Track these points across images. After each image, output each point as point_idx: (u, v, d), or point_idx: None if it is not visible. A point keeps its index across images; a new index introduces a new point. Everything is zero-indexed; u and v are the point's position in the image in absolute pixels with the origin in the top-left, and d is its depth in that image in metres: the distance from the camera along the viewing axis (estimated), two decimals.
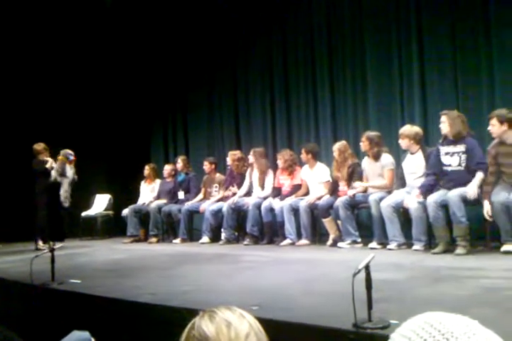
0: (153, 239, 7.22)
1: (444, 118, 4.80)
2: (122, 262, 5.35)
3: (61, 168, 6.91)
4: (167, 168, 7.71)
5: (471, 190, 4.50)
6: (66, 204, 6.94)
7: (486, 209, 4.40)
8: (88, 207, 8.42)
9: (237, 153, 6.97)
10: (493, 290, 3.00)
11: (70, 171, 7.01)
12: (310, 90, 7.16)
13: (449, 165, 4.79)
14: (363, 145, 5.58)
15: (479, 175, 4.56)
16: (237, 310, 0.98)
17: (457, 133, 4.72)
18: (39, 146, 6.96)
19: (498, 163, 4.50)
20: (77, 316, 3.44)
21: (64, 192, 6.90)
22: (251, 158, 6.69)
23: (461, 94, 5.79)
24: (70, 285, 3.82)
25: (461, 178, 4.67)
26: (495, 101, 5.48)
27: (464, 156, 4.71)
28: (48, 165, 6.87)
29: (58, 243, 5.76)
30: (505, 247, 4.31)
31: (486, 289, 3.03)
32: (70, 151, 7.06)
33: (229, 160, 6.96)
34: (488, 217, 4.41)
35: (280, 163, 6.37)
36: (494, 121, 4.42)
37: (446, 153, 4.80)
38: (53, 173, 6.88)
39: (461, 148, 4.73)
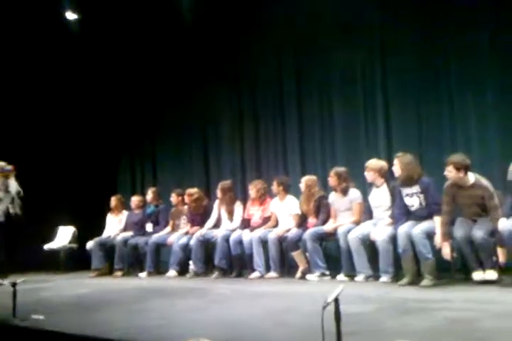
0: (119, 273, 7.08)
1: (396, 161, 4.98)
2: (87, 297, 5.21)
3: (3, 184, 6.48)
4: (135, 199, 7.63)
5: (438, 240, 4.60)
6: (1, 219, 6.47)
7: (446, 252, 4.52)
8: (51, 239, 8.22)
9: (195, 193, 6.85)
10: (459, 322, 3.05)
11: (13, 184, 6.54)
12: (278, 123, 7.29)
13: (412, 206, 4.95)
14: (331, 180, 5.69)
15: (438, 221, 4.67)
16: None
17: (407, 177, 4.88)
18: None
19: (455, 203, 4.64)
20: None
21: (2, 206, 6.46)
22: (218, 193, 6.68)
23: (424, 129, 6.01)
24: (33, 322, 3.69)
25: (425, 215, 4.82)
26: (456, 137, 5.72)
27: (422, 196, 4.87)
28: None
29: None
30: (475, 275, 4.40)
31: (452, 320, 3.09)
32: (2, 163, 6.57)
33: (186, 199, 6.91)
34: (448, 258, 4.53)
35: (252, 192, 6.40)
36: (451, 168, 4.53)
37: (407, 195, 4.96)
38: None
39: (417, 188, 4.89)
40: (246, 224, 6.45)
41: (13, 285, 3.83)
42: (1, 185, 6.53)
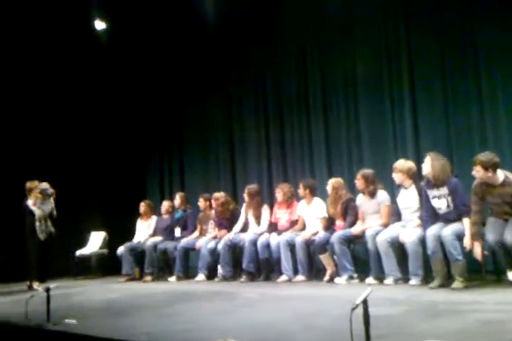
0: (149, 278, 7.15)
1: (427, 159, 4.88)
2: (118, 301, 5.28)
3: (40, 203, 6.79)
4: (165, 205, 7.70)
5: (467, 241, 4.49)
6: (42, 237, 6.74)
7: (477, 252, 4.39)
8: (82, 245, 8.37)
9: (221, 197, 6.89)
10: (491, 324, 3.00)
11: (48, 205, 6.86)
12: (304, 126, 7.28)
13: (440, 209, 4.85)
14: (359, 183, 5.64)
15: (467, 223, 4.57)
16: None
17: (437, 177, 4.78)
18: (32, 184, 6.89)
19: (485, 202, 4.52)
20: None
21: (43, 225, 6.76)
22: (245, 197, 6.71)
23: (452, 129, 5.91)
24: (65, 326, 3.77)
25: (453, 217, 4.74)
26: (486, 134, 5.61)
27: (450, 198, 4.77)
28: (32, 203, 6.78)
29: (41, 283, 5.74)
30: (510, 275, 4.26)
31: (484, 323, 3.03)
32: (46, 185, 6.89)
33: (213, 204, 6.97)
34: (479, 258, 4.41)
35: (279, 196, 6.40)
36: (478, 168, 4.40)
37: (434, 197, 4.87)
38: (36, 211, 6.75)
39: (444, 190, 4.79)
40: (273, 227, 6.45)
41: (47, 290, 3.92)
42: (39, 203, 6.80)
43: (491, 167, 4.36)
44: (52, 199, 6.91)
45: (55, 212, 6.91)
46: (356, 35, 6.75)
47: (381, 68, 6.52)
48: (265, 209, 6.64)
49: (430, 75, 6.07)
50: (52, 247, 6.86)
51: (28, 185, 6.91)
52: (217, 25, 7.71)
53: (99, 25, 8.40)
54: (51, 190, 6.90)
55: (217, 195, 6.98)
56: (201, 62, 8.29)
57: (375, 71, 6.56)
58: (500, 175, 4.43)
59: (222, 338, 1.00)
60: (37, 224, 6.71)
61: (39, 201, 6.80)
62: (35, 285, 6.50)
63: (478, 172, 4.44)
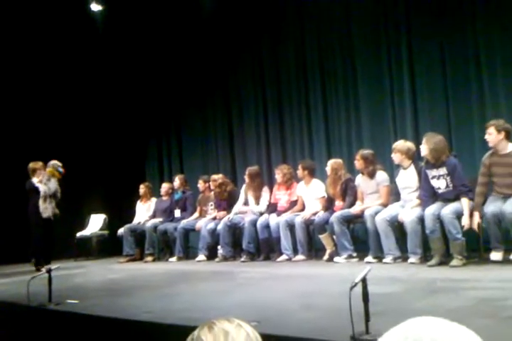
0: (149, 258, 7.19)
1: (424, 141, 4.88)
2: (119, 282, 5.33)
3: (47, 179, 6.71)
4: (165, 186, 7.72)
5: (465, 221, 4.54)
6: (47, 216, 6.71)
7: (476, 221, 4.47)
8: (83, 227, 8.41)
9: (219, 179, 6.91)
10: (489, 301, 3.03)
11: (53, 184, 6.79)
12: (303, 108, 7.23)
13: (439, 188, 4.86)
14: (358, 163, 5.64)
15: (465, 204, 4.60)
16: (235, 321, 1.02)
17: (435, 158, 4.79)
18: (36, 164, 6.86)
19: (491, 174, 4.56)
20: (76, 336, 3.43)
21: (50, 204, 6.72)
22: (246, 178, 6.70)
23: (452, 110, 5.88)
24: (67, 306, 3.81)
25: (452, 197, 4.76)
26: (486, 117, 5.58)
27: (448, 178, 4.79)
28: (37, 180, 6.74)
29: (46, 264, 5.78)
30: (493, 255, 4.38)
31: (482, 300, 3.06)
32: (59, 163, 6.86)
33: (211, 186, 6.98)
34: (476, 229, 4.48)
35: (279, 177, 6.41)
36: (492, 130, 4.49)
37: (433, 177, 4.88)
38: (41, 188, 6.69)
39: (443, 170, 4.80)
40: (273, 208, 6.47)
41: (48, 271, 3.95)
42: (46, 180, 6.72)
43: (503, 130, 4.45)
44: (57, 181, 6.83)
45: (59, 194, 6.86)
46: (355, 14, 6.66)
47: (380, 49, 6.45)
48: (265, 191, 6.65)
49: (430, 56, 6.01)
50: (55, 228, 6.82)
51: (32, 165, 6.87)
52: (216, 7, 7.60)
53: (95, 7, 8.27)
54: (62, 170, 6.85)
55: (215, 176, 7.00)
56: (199, 44, 8.19)
57: (375, 52, 6.50)
58: (510, 145, 4.51)
59: (224, 317, 1.01)
60: (40, 201, 6.66)
61: (46, 178, 6.71)
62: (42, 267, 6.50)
63: (490, 135, 4.50)
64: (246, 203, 6.77)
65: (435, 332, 0.74)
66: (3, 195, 7.67)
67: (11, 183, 7.45)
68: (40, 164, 6.89)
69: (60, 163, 6.89)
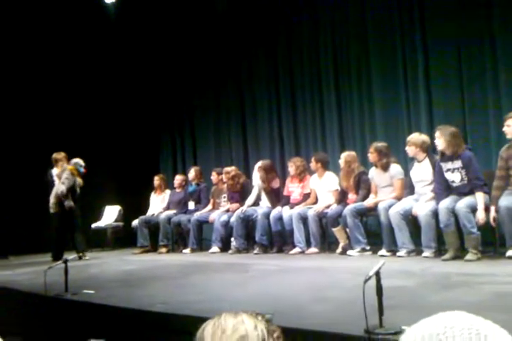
0: (163, 250, 7.25)
1: (438, 134, 4.83)
2: (133, 273, 5.39)
3: (68, 178, 6.61)
4: (178, 179, 7.75)
5: (480, 215, 4.50)
6: (53, 211, 6.70)
7: (493, 215, 4.42)
8: (98, 218, 8.49)
9: (232, 171, 6.89)
10: (504, 296, 3.01)
11: (70, 182, 6.67)
12: (316, 99, 7.21)
13: (453, 182, 4.82)
14: (372, 156, 5.61)
15: (480, 198, 4.55)
16: (241, 316, 1.02)
17: (450, 151, 4.74)
18: (59, 155, 6.90)
19: (508, 167, 4.52)
20: (92, 326, 3.48)
21: (54, 199, 6.66)
22: (258, 171, 6.70)
23: (467, 103, 5.82)
24: (83, 296, 3.87)
25: (467, 191, 4.71)
26: (501, 110, 5.52)
27: (463, 171, 4.74)
28: (56, 173, 6.76)
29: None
30: (510, 252, 4.32)
31: (496, 294, 3.05)
32: (81, 163, 6.85)
33: (224, 178, 6.99)
34: (492, 223, 4.43)
35: (292, 170, 6.40)
36: (511, 122, 4.45)
37: (448, 170, 4.83)
38: (55, 182, 6.65)
39: (458, 163, 4.75)
40: (285, 200, 6.48)
41: (65, 262, 4.00)
42: (64, 178, 6.62)
43: None
44: (78, 178, 6.78)
45: (78, 189, 6.82)
46: (370, 7, 6.59)
47: (395, 41, 6.39)
48: (277, 184, 6.65)
49: (444, 48, 5.94)
50: (70, 220, 6.81)
51: (54, 155, 6.92)
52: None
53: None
54: (84, 170, 6.82)
55: (227, 168, 7.02)
56: (213, 36, 8.19)
57: (389, 44, 6.44)
58: None
59: (233, 311, 1.01)
60: (52, 195, 6.71)
61: (64, 175, 6.64)
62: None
63: (509, 127, 4.46)
64: (259, 195, 6.79)
65: (467, 325, 0.74)
66: (22, 186, 7.76)
67: (30, 175, 7.54)
68: (62, 154, 6.92)
69: (82, 163, 6.85)
